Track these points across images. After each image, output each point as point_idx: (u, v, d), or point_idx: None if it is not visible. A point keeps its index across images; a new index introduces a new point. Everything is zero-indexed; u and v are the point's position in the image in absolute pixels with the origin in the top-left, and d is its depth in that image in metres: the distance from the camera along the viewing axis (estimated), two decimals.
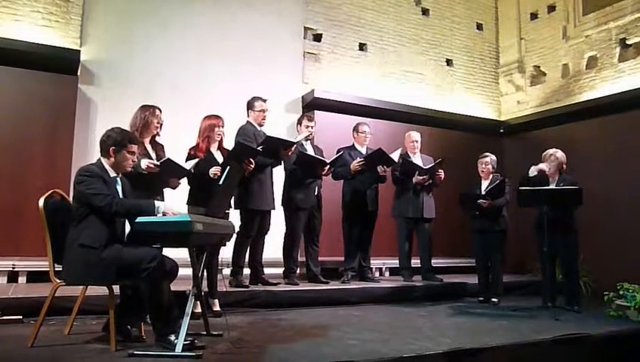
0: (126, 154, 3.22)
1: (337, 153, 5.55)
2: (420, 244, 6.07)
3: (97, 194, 3.01)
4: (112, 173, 3.22)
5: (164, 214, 3.03)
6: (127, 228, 3.20)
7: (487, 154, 5.77)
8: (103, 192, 3.03)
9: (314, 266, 5.54)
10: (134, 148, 3.28)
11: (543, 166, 5.15)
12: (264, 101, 5.07)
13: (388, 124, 7.58)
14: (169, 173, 3.91)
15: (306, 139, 5.41)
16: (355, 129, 5.92)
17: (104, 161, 3.21)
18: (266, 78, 6.77)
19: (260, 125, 5.05)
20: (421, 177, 5.80)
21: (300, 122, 5.52)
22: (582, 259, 6.31)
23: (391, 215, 6.10)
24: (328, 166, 5.31)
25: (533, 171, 5.15)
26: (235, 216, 4.52)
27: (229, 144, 4.66)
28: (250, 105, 5.09)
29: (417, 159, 5.99)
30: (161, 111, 4.03)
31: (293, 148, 4.96)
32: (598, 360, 3.90)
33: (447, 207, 6.34)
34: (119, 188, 3.24)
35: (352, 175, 5.61)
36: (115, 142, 3.19)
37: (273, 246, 5.33)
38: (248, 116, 5.09)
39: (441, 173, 5.88)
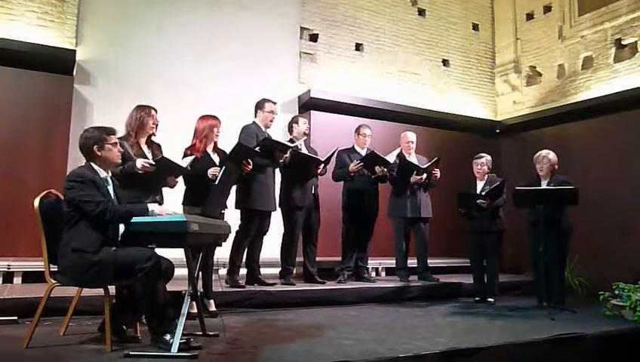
0: (110, 147, 3.19)
1: (333, 151, 5.55)
2: (416, 244, 6.07)
3: (90, 201, 2.98)
4: (103, 174, 3.19)
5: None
6: (121, 228, 3.19)
7: (482, 154, 5.78)
8: (96, 199, 3.00)
9: (311, 266, 5.55)
10: (114, 138, 3.25)
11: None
12: (274, 103, 5.11)
13: (384, 124, 7.58)
14: (165, 171, 3.90)
15: (303, 135, 5.42)
16: (357, 131, 5.94)
17: (92, 164, 3.17)
18: (262, 78, 6.76)
19: (267, 127, 5.07)
20: (418, 177, 5.81)
21: (293, 123, 5.50)
22: (577, 259, 6.37)
23: (388, 215, 6.10)
24: (323, 164, 5.33)
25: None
26: (230, 216, 4.51)
27: (225, 144, 4.64)
28: (259, 106, 5.10)
29: (412, 159, 5.99)
30: (156, 112, 4.01)
31: (288, 153, 4.97)
32: (593, 360, 3.91)
33: (443, 206, 6.33)
34: (110, 188, 3.21)
35: (351, 176, 5.62)
36: (95, 140, 3.16)
37: (269, 246, 5.32)
38: (256, 117, 5.10)
39: (437, 172, 5.90)
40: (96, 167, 3.17)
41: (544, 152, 5.27)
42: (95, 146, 3.15)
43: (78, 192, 2.99)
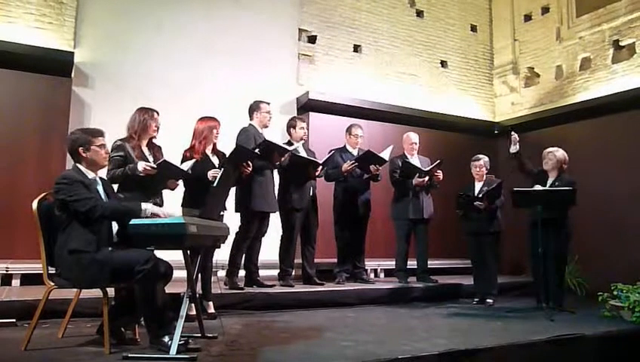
0: (96, 149, 3.18)
1: (329, 153, 5.56)
2: (417, 245, 6.07)
3: (79, 199, 2.97)
4: (91, 175, 3.18)
5: (153, 216, 3.01)
6: (115, 227, 3.19)
7: (479, 156, 5.77)
8: (85, 196, 2.99)
9: (309, 268, 5.54)
10: (101, 140, 3.23)
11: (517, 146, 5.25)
12: (268, 104, 5.15)
13: (382, 125, 7.60)
14: (167, 174, 3.91)
15: (301, 139, 5.42)
16: (348, 131, 5.92)
17: (79, 166, 3.17)
18: (260, 79, 6.77)
19: (265, 127, 5.09)
20: (421, 179, 5.81)
21: (293, 126, 5.51)
22: (576, 260, 6.37)
23: (390, 217, 6.10)
24: (321, 167, 5.34)
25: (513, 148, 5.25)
26: (229, 218, 4.50)
27: (224, 146, 4.64)
28: (255, 108, 5.11)
29: (415, 160, 5.99)
30: (158, 114, 4.01)
31: (286, 156, 4.98)
32: (593, 361, 3.91)
33: (441, 208, 6.33)
34: (100, 188, 3.21)
35: (344, 176, 5.62)
36: (81, 142, 3.15)
37: (268, 248, 5.31)
38: (251, 119, 5.11)
39: (440, 174, 5.90)
40: (83, 168, 3.16)
41: (551, 149, 5.26)
42: (81, 148, 3.15)
43: (68, 193, 2.98)
